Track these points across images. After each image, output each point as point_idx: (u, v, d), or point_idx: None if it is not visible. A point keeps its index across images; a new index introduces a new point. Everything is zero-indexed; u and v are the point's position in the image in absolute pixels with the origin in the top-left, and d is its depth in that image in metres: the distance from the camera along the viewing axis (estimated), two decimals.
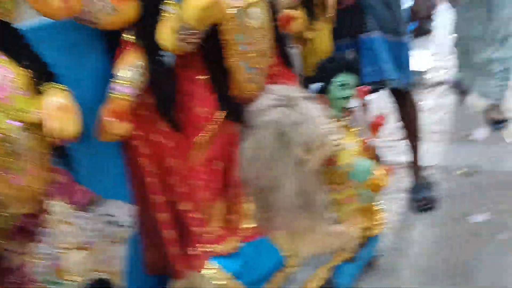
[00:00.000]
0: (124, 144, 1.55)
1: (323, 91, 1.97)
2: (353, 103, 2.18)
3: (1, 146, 1.08)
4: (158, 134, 1.55)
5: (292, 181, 1.58)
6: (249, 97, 1.62)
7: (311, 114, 1.59)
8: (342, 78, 1.95)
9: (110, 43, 1.48)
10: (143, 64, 1.43)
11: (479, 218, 2.49)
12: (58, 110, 1.09)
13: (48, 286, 1.14)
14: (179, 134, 1.55)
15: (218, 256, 1.64)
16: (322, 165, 1.72)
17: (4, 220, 1.13)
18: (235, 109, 1.56)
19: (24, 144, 1.12)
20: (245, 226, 1.68)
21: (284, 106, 1.59)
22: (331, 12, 2.13)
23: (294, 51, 2.08)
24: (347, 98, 1.96)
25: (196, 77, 1.52)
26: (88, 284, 1.22)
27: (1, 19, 1.14)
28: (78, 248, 1.18)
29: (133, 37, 1.45)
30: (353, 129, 2.08)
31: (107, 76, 1.43)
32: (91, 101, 1.40)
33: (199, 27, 1.30)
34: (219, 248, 1.64)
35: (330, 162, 1.78)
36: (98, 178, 1.50)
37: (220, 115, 1.55)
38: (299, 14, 1.91)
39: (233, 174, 1.63)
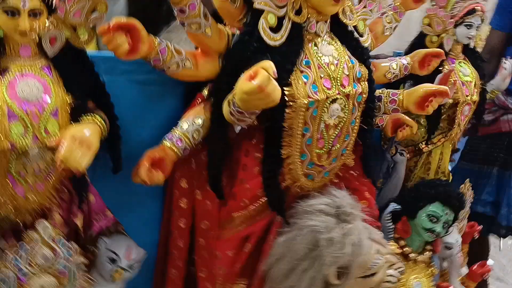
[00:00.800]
0: (167, 190, 1.54)
1: (411, 215, 1.72)
2: (452, 238, 1.88)
3: (18, 159, 1.16)
4: (202, 192, 1.51)
5: None
6: (301, 193, 1.48)
7: (358, 237, 1.39)
8: (435, 208, 1.68)
9: (191, 92, 1.50)
10: (204, 122, 1.39)
11: None
12: (74, 142, 1.11)
13: None
14: (220, 201, 1.49)
15: None
16: None
17: None
18: (280, 198, 1.44)
19: (37, 162, 1.17)
20: None
21: (333, 217, 1.42)
22: (457, 131, 1.86)
23: (401, 158, 1.86)
24: (432, 231, 1.68)
25: (252, 152, 1.43)
26: None
27: (77, 46, 1.21)
28: (50, 274, 1.20)
29: (206, 93, 1.43)
30: (432, 269, 1.79)
31: (174, 123, 1.44)
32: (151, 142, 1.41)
33: (243, 108, 1.22)
34: None
35: None
36: (131, 211, 1.52)
37: (264, 199, 1.45)
38: (412, 123, 1.70)
39: (259, 264, 1.50)
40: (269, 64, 1.12)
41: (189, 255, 1.57)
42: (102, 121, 1.25)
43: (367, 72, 1.45)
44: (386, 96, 1.59)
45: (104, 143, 1.32)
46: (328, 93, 1.36)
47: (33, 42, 1.15)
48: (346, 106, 1.41)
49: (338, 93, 1.37)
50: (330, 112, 1.38)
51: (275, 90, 1.13)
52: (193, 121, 1.40)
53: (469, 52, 1.90)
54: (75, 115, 1.20)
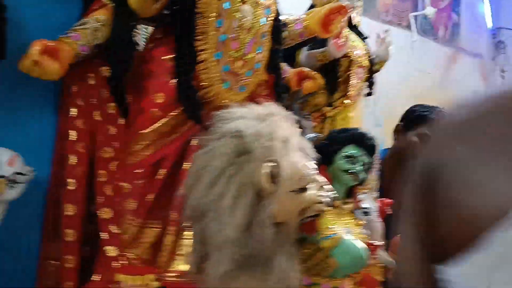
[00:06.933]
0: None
1: (329, 162, 1.65)
2: (368, 204, 1.82)
3: None
4: (102, 113, 1.30)
5: (242, 211, 1.18)
6: (219, 104, 1.35)
7: (286, 135, 1.26)
8: (350, 149, 1.63)
9: None
10: (104, 21, 1.26)
11: None
12: None
13: None
14: (125, 121, 1.29)
15: None
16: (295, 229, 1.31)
17: None
18: (196, 107, 1.29)
19: None
20: (173, 267, 1.25)
21: (256, 120, 1.30)
22: (354, 92, 1.91)
23: (307, 123, 1.83)
24: (352, 173, 1.61)
25: (162, 57, 1.30)
26: None
27: None
28: None
29: None
30: (358, 221, 1.67)
31: None
32: None
33: None
34: (129, 280, 1.20)
35: (307, 227, 1.36)
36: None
37: (178, 109, 1.29)
38: (316, 75, 1.70)
39: (176, 193, 1.27)
40: None
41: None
42: None
43: None
44: (290, 21, 1.59)
45: None
46: None
47: None
48: (256, 12, 1.38)
49: None
50: (241, 11, 1.34)
51: None
52: (92, 20, 1.25)
53: (352, 28, 2.03)
54: None
